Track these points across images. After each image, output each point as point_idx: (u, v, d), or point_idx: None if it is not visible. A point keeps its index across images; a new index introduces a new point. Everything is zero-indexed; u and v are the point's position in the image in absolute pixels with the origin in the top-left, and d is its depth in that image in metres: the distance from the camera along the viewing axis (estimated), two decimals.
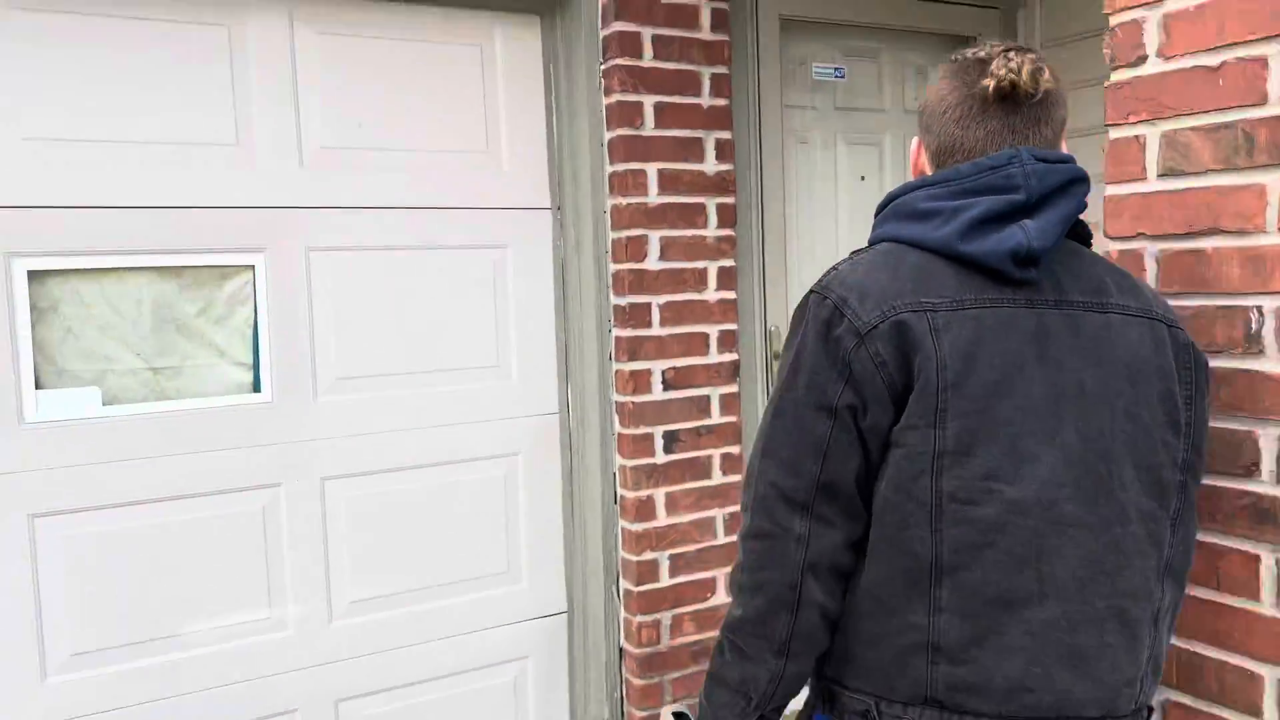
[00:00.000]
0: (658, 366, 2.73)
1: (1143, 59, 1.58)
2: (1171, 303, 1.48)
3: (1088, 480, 1.17)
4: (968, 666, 1.16)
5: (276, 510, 2.54)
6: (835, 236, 3.25)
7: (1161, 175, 1.57)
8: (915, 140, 1.36)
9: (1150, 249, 1.59)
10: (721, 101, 2.79)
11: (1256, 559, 1.40)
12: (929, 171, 1.31)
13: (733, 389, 2.85)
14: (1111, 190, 1.64)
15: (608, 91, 2.68)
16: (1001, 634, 1.16)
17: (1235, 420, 1.43)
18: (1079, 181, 1.25)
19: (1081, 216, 1.30)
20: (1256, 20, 1.41)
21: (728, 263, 2.82)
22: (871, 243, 1.29)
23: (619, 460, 2.77)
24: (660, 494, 2.75)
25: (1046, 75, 1.25)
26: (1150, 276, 1.59)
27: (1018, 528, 1.15)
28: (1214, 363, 1.45)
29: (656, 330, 2.72)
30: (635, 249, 2.68)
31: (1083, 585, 1.17)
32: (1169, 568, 1.25)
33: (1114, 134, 1.63)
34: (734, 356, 2.85)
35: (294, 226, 2.51)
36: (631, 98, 2.65)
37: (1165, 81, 1.55)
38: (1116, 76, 1.61)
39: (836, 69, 3.14)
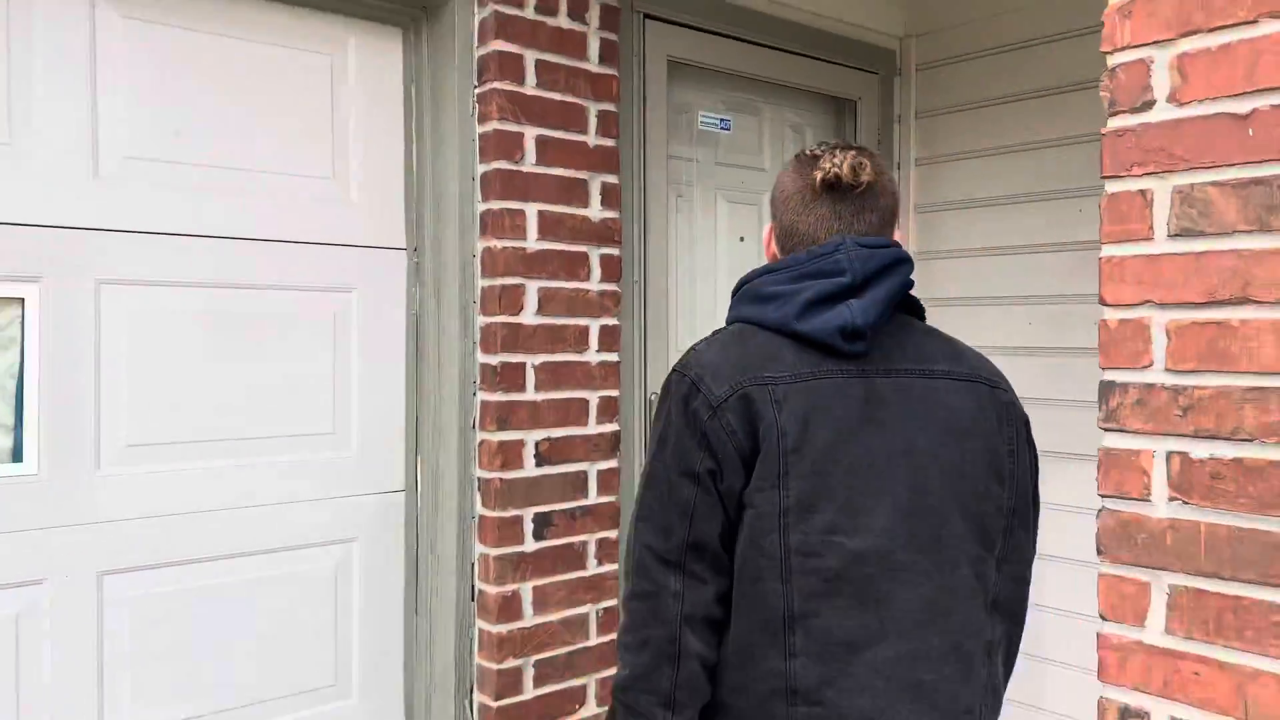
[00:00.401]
0: (531, 437, 2.35)
1: (1150, 104, 1.38)
2: (1186, 382, 1.29)
3: (920, 530, 1.31)
4: (823, 706, 1.27)
5: (35, 616, 1.95)
6: (715, 298, 2.99)
7: (1174, 235, 1.36)
8: (768, 224, 1.48)
9: (1158, 319, 1.38)
10: (609, 142, 2.48)
11: None
12: (778, 251, 1.45)
13: (612, 464, 2.49)
14: (1110, 251, 1.42)
15: (483, 118, 2.32)
16: (850, 674, 1.27)
17: (1269, 521, 1.22)
18: (902, 263, 1.38)
19: (912, 292, 1.43)
20: None
21: (610, 321, 2.49)
22: (728, 322, 1.41)
23: (480, 548, 2.34)
24: (528, 588, 2.34)
25: (867, 169, 1.39)
26: (1157, 350, 1.38)
27: (858, 576, 1.28)
28: (1240, 453, 1.25)
29: (531, 394, 2.34)
30: (510, 300, 2.31)
31: (920, 625, 1.30)
32: (996, 604, 1.40)
33: (1112, 187, 1.42)
34: (614, 427, 2.50)
35: (81, 252, 1.99)
36: (512, 127, 2.30)
37: (1179, 130, 1.36)
38: (1116, 124, 1.41)
39: (722, 120, 2.91)
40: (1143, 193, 1.40)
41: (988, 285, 3.21)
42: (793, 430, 1.28)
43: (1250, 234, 1.29)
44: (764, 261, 1.46)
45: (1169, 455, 1.38)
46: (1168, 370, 1.38)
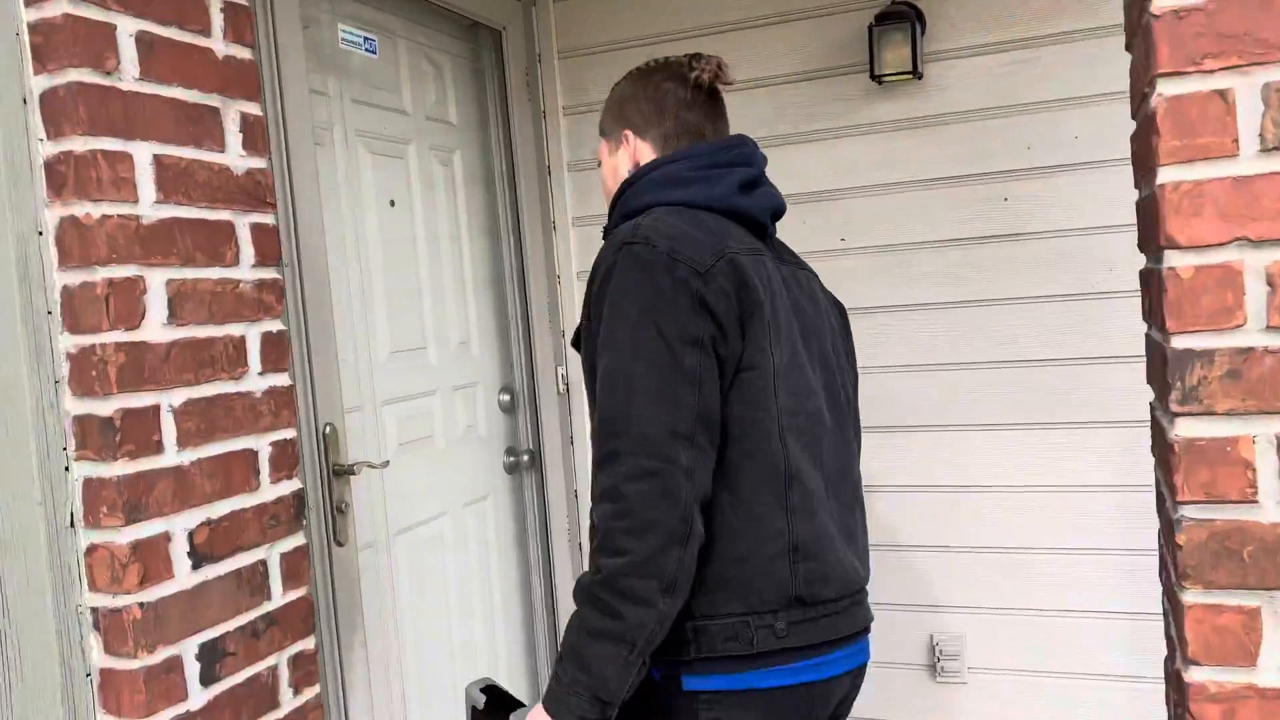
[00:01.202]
0: (181, 524, 1.44)
1: None
2: None
3: (829, 394, 1.45)
4: (816, 561, 1.35)
5: None
6: (370, 278, 2.22)
7: (1271, 149, 1.03)
8: (621, 137, 1.53)
9: (1253, 261, 1.04)
10: (244, 52, 1.62)
11: None
12: (652, 152, 1.51)
13: (298, 541, 1.66)
14: (1175, 175, 1.05)
15: (32, 1, 1.34)
16: (822, 526, 1.37)
17: None
18: None
19: None
20: None
21: (274, 325, 1.64)
22: (642, 208, 1.42)
23: None
24: None
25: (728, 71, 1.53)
26: (1254, 303, 1.04)
27: (812, 434, 1.38)
28: None
29: (173, 456, 1.44)
30: (124, 303, 1.38)
31: (839, 477, 1.44)
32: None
33: (1174, 88, 1.05)
34: (295, 484, 1.67)
35: None
36: (96, 13, 1.36)
37: (1272, 7, 1.02)
38: (1168, 2, 1.04)
39: (367, 39, 2.13)
40: (1222, 94, 1.04)
41: None
42: (767, 299, 1.35)
43: None
44: (621, 179, 1.51)
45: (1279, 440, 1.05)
46: (1271, 329, 1.04)
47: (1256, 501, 1.06)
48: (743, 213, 1.44)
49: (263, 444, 1.61)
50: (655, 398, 1.25)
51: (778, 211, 1.50)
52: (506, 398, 2.74)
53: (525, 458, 2.75)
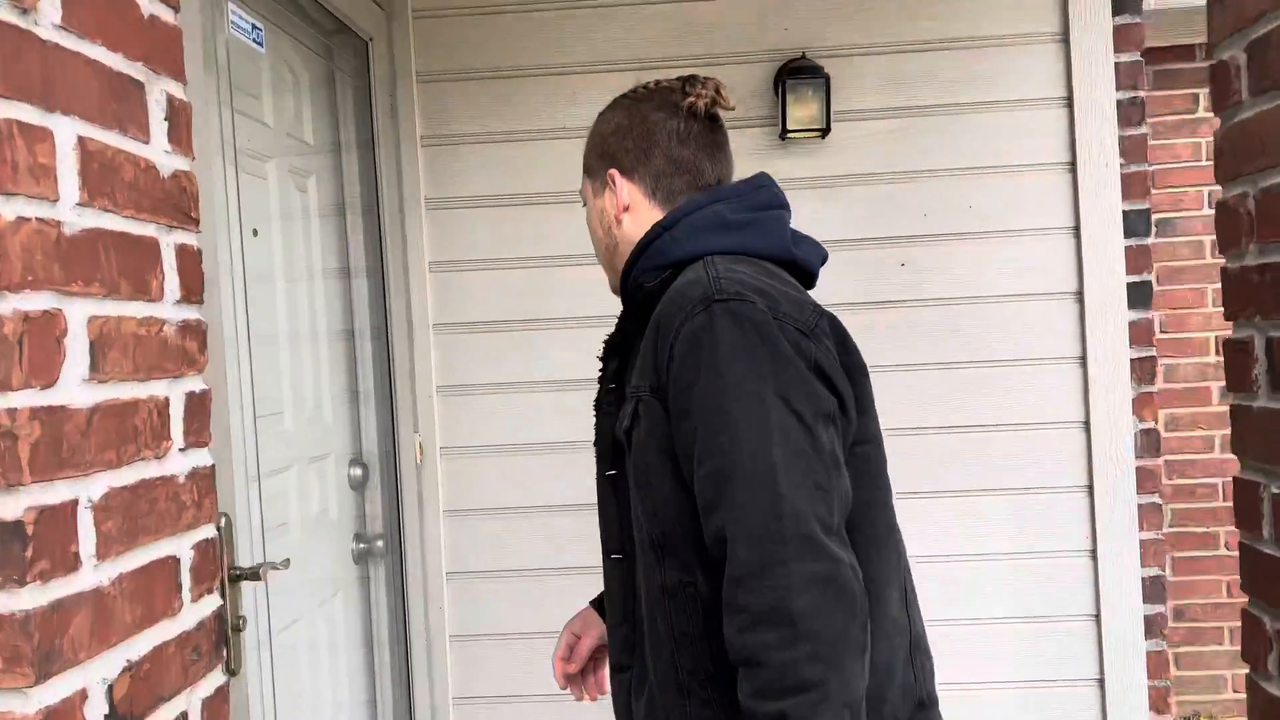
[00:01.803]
0: (99, 675, 0.98)
1: None
2: None
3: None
4: (925, 653, 1.25)
5: None
6: (238, 324, 1.76)
7: None
8: (606, 177, 1.35)
9: None
10: (167, 14, 1.20)
11: None
12: (648, 195, 1.33)
13: (218, 680, 1.21)
14: None
15: None
16: (916, 609, 1.29)
17: None
18: None
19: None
20: None
21: (196, 383, 1.21)
22: (684, 258, 1.26)
23: None
24: None
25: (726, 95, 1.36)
26: None
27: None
28: None
29: (90, 575, 0.98)
30: (40, 349, 0.92)
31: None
32: None
33: None
34: (215, 601, 1.22)
35: None
36: None
37: None
38: None
39: (256, 28, 1.71)
40: None
41: (531, 305, 2.53)
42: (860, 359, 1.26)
43: None
44: (610, 225, 1.36)
45: None
46: None
47: None
48: (800, 264, 1.31)
49: (184, 547, 1.16)
50: (804, 489, 1.08)
51: (824, 261, 1.39)
52: (358, 471, 2.31)
53: (379, 543, 2.33)
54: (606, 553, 1.43)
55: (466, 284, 2.53)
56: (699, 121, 1.34)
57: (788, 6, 2.45)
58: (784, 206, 1.35)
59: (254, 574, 1.46)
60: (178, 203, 1.18)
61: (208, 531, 1.21)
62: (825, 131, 2.37)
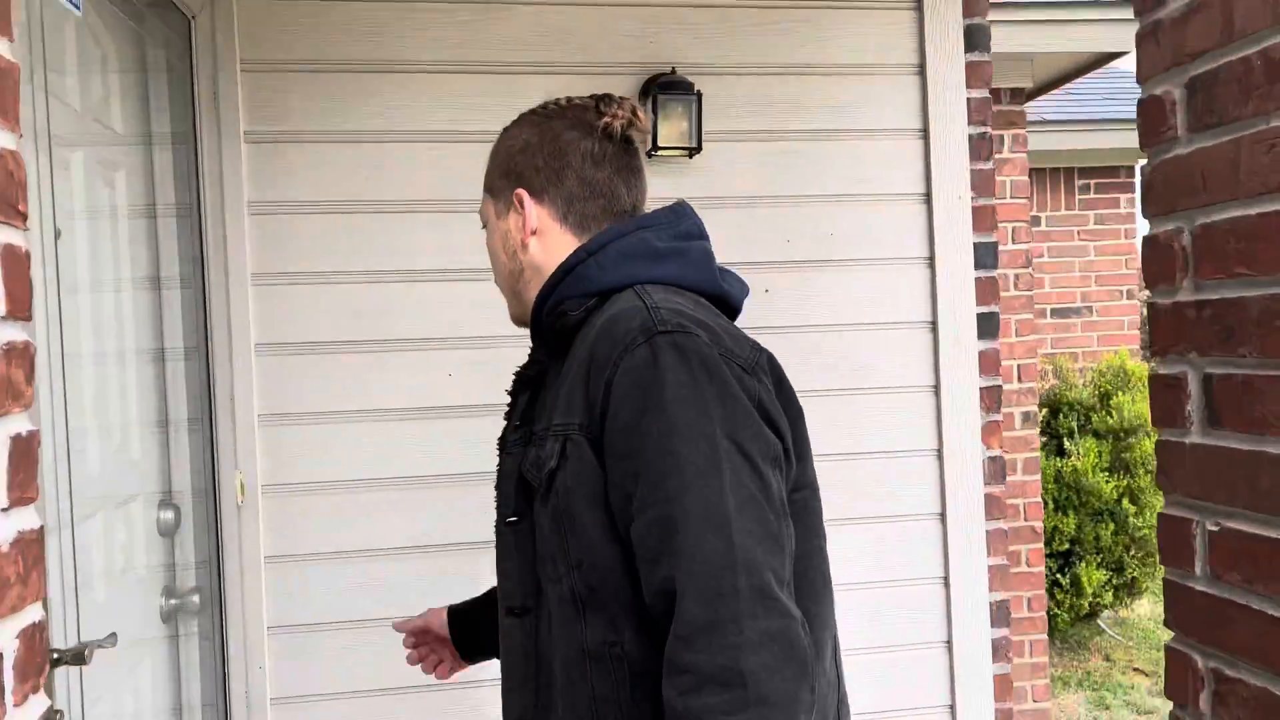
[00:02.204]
0: None
1: None
2: None
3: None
4: (849, 710, 1.23)
5: None
6: (40, 342, 1.44)
7: None
8: (512, 198, 1.26)
9: None
10: None
11: None
12: (558, 218, 1.25)
13: None
14: None
15: None
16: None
17: None
18: None
19: None
20: None
21: (21, 424, 0.93)
22: (609, 289, 1.19)
23: None
24: None
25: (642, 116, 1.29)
26: None
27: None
28: None
29: None
30: None
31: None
32: None
33: None
34: (44, 703, 0.95)
35: None
36: None
37: None
38: None
39: None
40: None
41: (374, 324, 2.29)
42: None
43: None
44: (515, 249, 1.26)
45: None
46: None
47: None
48: (728, 299, 1.26)
49: (7, 637, 0.89)
50: (756, 537, 1.02)
51: (746, 295, 1.33)
52: (169, 514, 1.98)
53: (193, 597, 2.01)
54: (506, 609, 1.28)
55: (296, 298, 2.25)
56: (614, 144, 1.27)
57: (655, 18, 2.36)
58: (706, 237, 1.28)
59: (78, 656, 1.17)
60: (3, 192, 0.91)
61: (34, 614, 0.94)
62: (695, 151, 2.29)
